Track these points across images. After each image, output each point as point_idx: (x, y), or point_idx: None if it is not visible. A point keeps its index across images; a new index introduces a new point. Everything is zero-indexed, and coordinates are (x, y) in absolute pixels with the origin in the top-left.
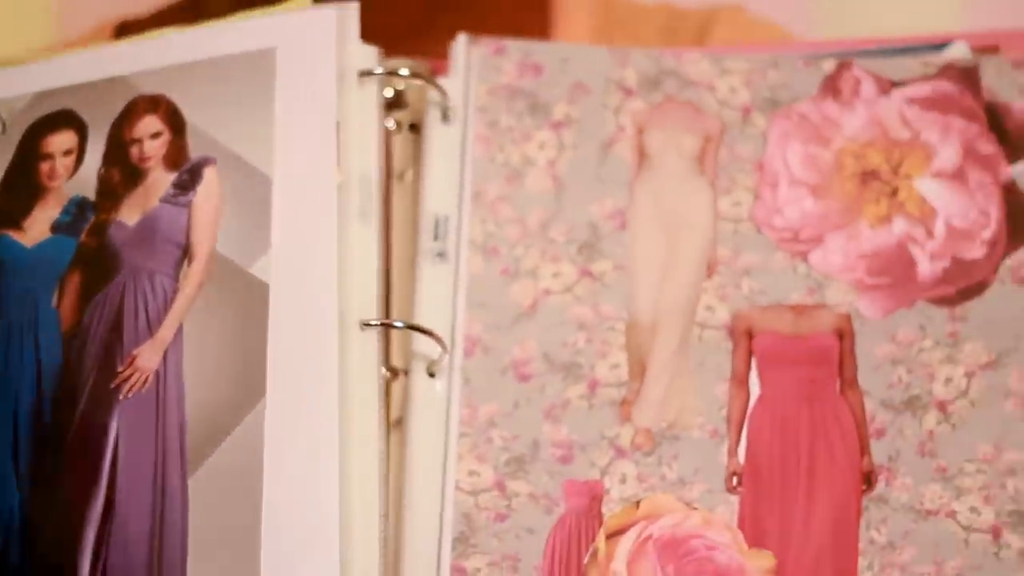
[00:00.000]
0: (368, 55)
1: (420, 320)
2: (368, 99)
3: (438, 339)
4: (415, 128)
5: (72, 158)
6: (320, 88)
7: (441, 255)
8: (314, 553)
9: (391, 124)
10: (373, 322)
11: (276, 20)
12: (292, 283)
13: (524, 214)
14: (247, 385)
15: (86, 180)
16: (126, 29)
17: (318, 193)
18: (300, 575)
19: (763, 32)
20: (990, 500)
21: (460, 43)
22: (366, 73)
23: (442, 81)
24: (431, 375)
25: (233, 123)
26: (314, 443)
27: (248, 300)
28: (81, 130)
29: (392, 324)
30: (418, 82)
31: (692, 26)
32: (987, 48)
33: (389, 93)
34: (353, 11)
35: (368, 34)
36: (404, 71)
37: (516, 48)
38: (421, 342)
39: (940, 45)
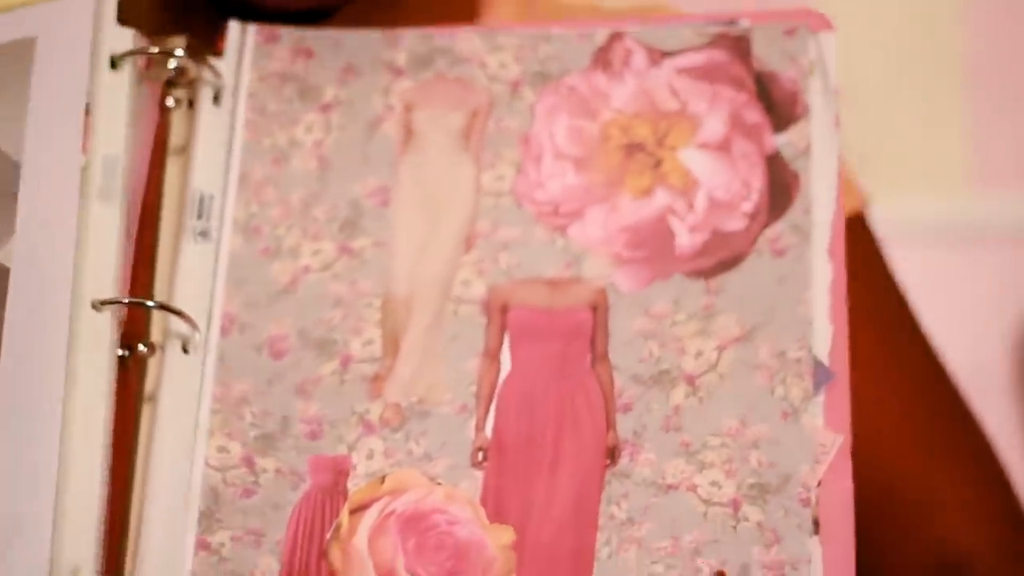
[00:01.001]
0: (124, 37)
1: (179, 297)
2: (120, 81)
3: (187, 317)
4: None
5: None
6: (72, 73)
7: (203, 234)
8: (26, 531)
9: (171, 102)
10: (109, 301)
11: (38, 9)
12: (30, 267)
13: (288, 194)
14: None
15: None
16: None
17: (61, 176)
18: (12, 551)
19: None
20: (732, 473)
21: (233, 30)
22: (125, 55)
23: (218, 62)
24: (186, 351)
25: None
26: (35, 423)
27: None
28: None
29: (137, 302)
30: (191, 62)
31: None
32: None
33: (171, 72)
34: None
35: None
36: (179, 51)
37: (289, 35)
38: (179, 319)
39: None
